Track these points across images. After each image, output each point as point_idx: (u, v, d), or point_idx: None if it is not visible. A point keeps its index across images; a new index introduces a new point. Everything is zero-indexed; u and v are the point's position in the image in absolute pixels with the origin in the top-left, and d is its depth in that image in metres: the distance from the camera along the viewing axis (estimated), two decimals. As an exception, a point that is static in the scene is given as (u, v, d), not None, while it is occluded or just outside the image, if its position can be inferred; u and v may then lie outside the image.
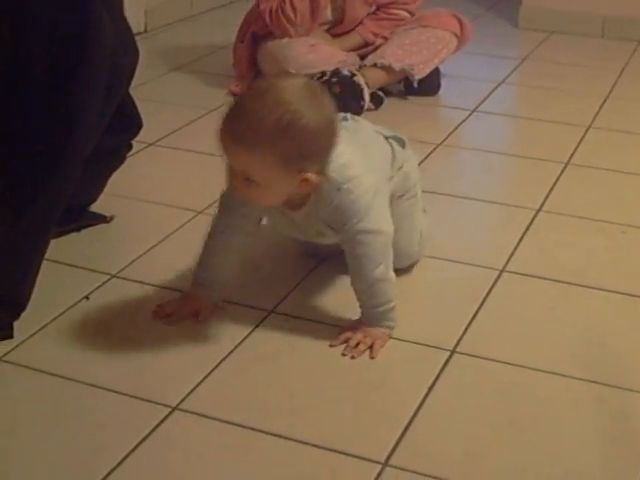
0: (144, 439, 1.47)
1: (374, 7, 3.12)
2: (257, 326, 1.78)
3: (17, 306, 1.74)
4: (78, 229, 2.10)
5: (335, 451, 1.46)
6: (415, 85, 3.00)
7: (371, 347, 1.70)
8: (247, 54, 3.07)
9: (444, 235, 2.11)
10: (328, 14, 3.06)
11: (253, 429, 1.50)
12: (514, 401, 1.59)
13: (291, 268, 1.98)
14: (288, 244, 1.98)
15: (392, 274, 1.71)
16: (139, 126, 2.09)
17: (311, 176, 1.58)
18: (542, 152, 2.65)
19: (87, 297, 1.85)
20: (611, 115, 2.97)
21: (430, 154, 2.61)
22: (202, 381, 1.62)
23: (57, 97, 1.71)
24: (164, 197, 2.29)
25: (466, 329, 1.79)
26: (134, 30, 2.05)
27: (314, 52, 2.93)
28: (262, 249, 2.03)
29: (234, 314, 1.81)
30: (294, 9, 2.93)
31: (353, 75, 2.86)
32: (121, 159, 2.12)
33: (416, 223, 1.93)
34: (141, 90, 2.59)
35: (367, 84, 2.88)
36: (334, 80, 2.84)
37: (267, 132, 1.53)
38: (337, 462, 1.44)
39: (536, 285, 1.95)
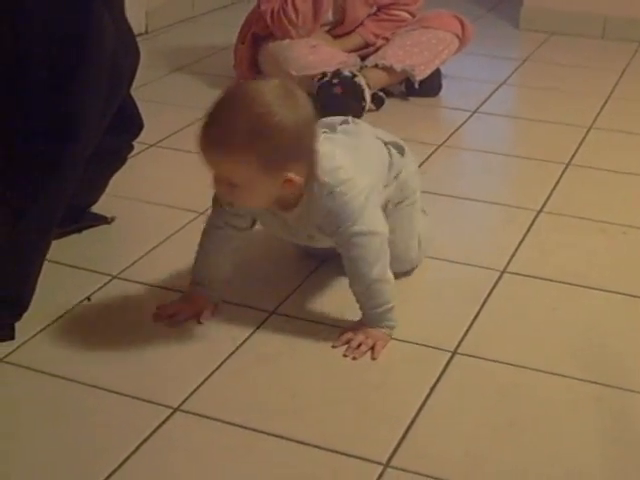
0: (145, 440, 1.47)
1: (375, 8, 3.12)
2: (258, 327, 1.78)
3: (18, 307, 1.75)
4: (79, 230, 2.10)
5: (336, 452, 1.46)
6: (416, 86, 3.00)
7: (372, 348, 1.70)
8: (248, 55, 3.07)
9: (445, 236, 2.12)
10: (329, 15, 3.06)
11: (254, 430, 1.50)
12: (515, 402, 1.59)
13: (292, 269, 1.98)
14: (289, 245, 1.98)
15: (389, 274, 1.71)
16: (140, 127, 2.09)
17: (293, 176, 1.58)
18: (543, 153, 2.65)
19: (88, 298, 1.86)
20: (612, 116, 2.97)
21: (431, 155, 2.61)
22: (203, 382, 1.62)
23: (58, 97, 1.71)
24: (165, 198, 2.29)
25: (467, 330, 1.79)
26: (135, 31, 2.05)
27: (315, 53, 2.93)
28: (263, 250, 2.03)
29: (235, 315, 1.81)
30: (296, 10, 2.94)
31: (354, 76, 2.86)
32: (122, 160, 2.12)
33: (415, 228, 1.93)
34: (142, 91, 2.59)
35: (368, 85, 2.88)
36: (335, 81, 2.84)
37: (242, 135, 1.52)
38: (338, 463, 1.44)
39: (537, 286, 1.95)
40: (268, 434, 1.49)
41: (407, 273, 1.95)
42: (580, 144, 2.72)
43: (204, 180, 1.62)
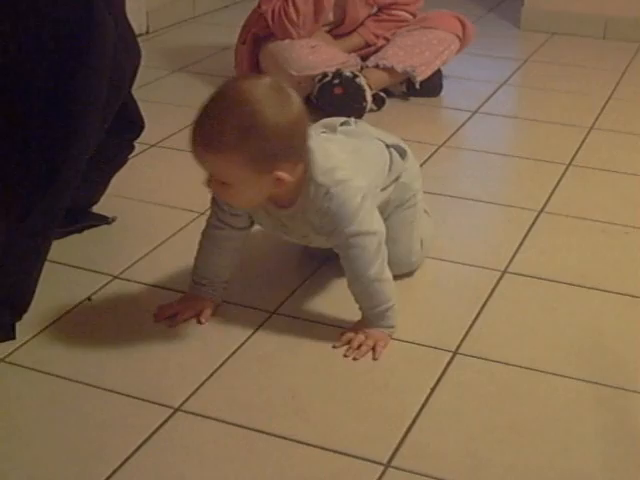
0: (147, 440, 1.47)
1: (375, 8, 3.12)
2: (259, 327, 1.78)
3: (19, 307, 1.75)
4: (80, 230, 2.10)
5: (337, 452, 1.46)
6: (417, 86, 3.00)
7: (373, 348, 1.70)
8: (249, 55, 3.07)
9: (446, 236, 2.12)
10: (330, 15, 3.06)
11: (255, 430, 1.50)
12: (516, 402, 1.59)
13: (294, 269, 1.98)
14: (290, 246, 1.98)
15: (388, 273, 1.71)
16: (141, 127, 2.10)
17: (284, 175, 1.58)
18: (544, 153, 2.65)
19: (89, 298, 1.86)
20: (613, 116, 2.97)
21: (432, 155, 2.61)
22: (204, 382, 1.62)
23: (58, 98, 1.71)
24: (166, 198, 2.29)
25: (468, 330, 1.79)
26: (136, 31, 2.06)
27: (315, 53, 2.93)
28: (264, 251, 2.03)
29: (236, 315, 1.81)
30: (297, 10, 2.94)
31: (355, 76, 2.86)
32: (123, 160, 2.12)
33: (416, 232, 1.92)
34: (143, 91, 2.59)
35: (369, 85, 2.88)
36: (336, 81, 2.84)
37: (230, 134, 1.52)
38: (339, 463, 1.44)
39: (538, 286, 1.95)
40: (269, 434, 1.49)
41: (408, 273, 1.95)
42: (581, 144, 2.72)
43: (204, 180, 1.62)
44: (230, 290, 1.84)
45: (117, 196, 2.21)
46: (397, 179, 1.84)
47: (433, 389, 1.61)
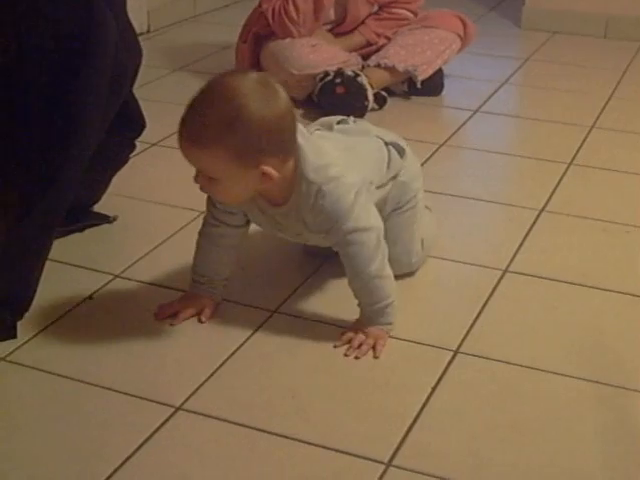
0: (148, 439, 1.47)
1: (376, 7, 3.12)
2: (260, 326, 1.78)
3: (21, 306, 1.75)
4: (81, 229, 2.10)
5: (338, 451, 1.46)
6: (418, 85, 3.00)
7: (374, 347, 1.70)
8: (250, 54, 3.07)
9: (447, 235, 2.12)
10: (331, 14, 3.06)
11: (256, 429, 1.50)
12: (517, 401, 1.59)
13: (294, 268, 1.98)
14: (292, 244, 1.97)
15: (389, 270, 1.71)
16: (142, 126, 2.10)
17: (270, 170, 1.57)
18: (545, 152, 2.65)
19: (91, 297, 1.86)
20: (614, 115, 2.97)
21: (433, 154, 2.61)
22: (205, 381, 1.62)
23: (59, 97, 1.71)
24: (167, 197, 2.29)
25: (469, 329, 1.79)
26: (137, 30, 2.05)
27: (316, 52, 2.93)
28: (265, 249, 2.03)
29: (237, 314, 1.81)
30: (297, 9, 2.94)
31: (357, 75, 2.86)
32: (124, 159, 2.12)
33: (417, 233, 1.92)
34: (144, 90, 2.59)
35: (371, 84, 2.88)
36: (338, 81, 2.84)
37: (214, 129, 1.53)
38: (340, 462, 1.44)
39: (539, 285, 1.95)
40: (270, 433, 1.49)
41: (409, 273, 1.95)
42: (582, 143, 2.72)
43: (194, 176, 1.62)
44: (231, 289, 1.84)
45: (118, 195, 2.21)
46: (395, 177, 1.83)
47: (434, 388, 1.61)
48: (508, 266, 2.02)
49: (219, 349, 1.71)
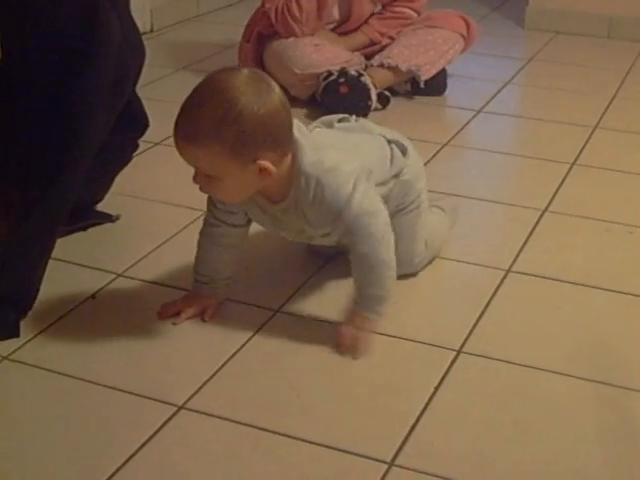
0: (150, 438, 1.47)
1: (380, 6, 3.12)
2: (263, 325, 1.78)
3: (23, 305, 1.75)
4: (84, 228, 2.10)
5: (341, 450, 1.46)
6: (422, 85, 3.00)
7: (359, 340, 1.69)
8: (253, 54, 3.07)
9: (450, 235, 2.11)
10: (335, 13, 3.07)
11: (260, 428, 1.50)
12: (520, 400, 1.59)
13: (298, 268, 1.98)
14: (295, 244, 1.97)
15: (394, 264, 1.70)
16: (146, 125, 2.10)
17: (267, 165, 1.57)
18: (548, 152, 2.65)
19: (93, 296, 1.86)
20: (617, 115, 2.97)
21: (436, 154, 2.61)
22: (208, 380, 1.62)
23: (62, 97, 1.71)
24: (170, 196, 2.29)
25: (472, 329, 1.78)
26: (140, 30, 2.05)
27: (319, 52, 2.93)
28: (268, 249, 2.03)
29: (240, 313, 1.81)
30: (300, 8, 2.94)
31: (360, 75, 2.86)
32: (127, 158, 2.13)
33: (419, 233, 1.91)
34: (147, 89, 2.59)
35: (374, 84, 2.88)
36: (341, 80, 2.84)
37: (207, 125, 1.53)
38: (343, 461, 1.44)
39: (542, 285, 1.95)
40: (273, 432, 1.49)
41: (412, 273, 1.95)
42: (585, 144, 2.72)
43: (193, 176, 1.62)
44: (234, 288, 1.84)
45: (121, 194, 2.21)
46: (398, 175, 1.82)
47: (437, 388, 1.61)
48: (511, 266, 2.02)
49: (222, 348, 1.71)
